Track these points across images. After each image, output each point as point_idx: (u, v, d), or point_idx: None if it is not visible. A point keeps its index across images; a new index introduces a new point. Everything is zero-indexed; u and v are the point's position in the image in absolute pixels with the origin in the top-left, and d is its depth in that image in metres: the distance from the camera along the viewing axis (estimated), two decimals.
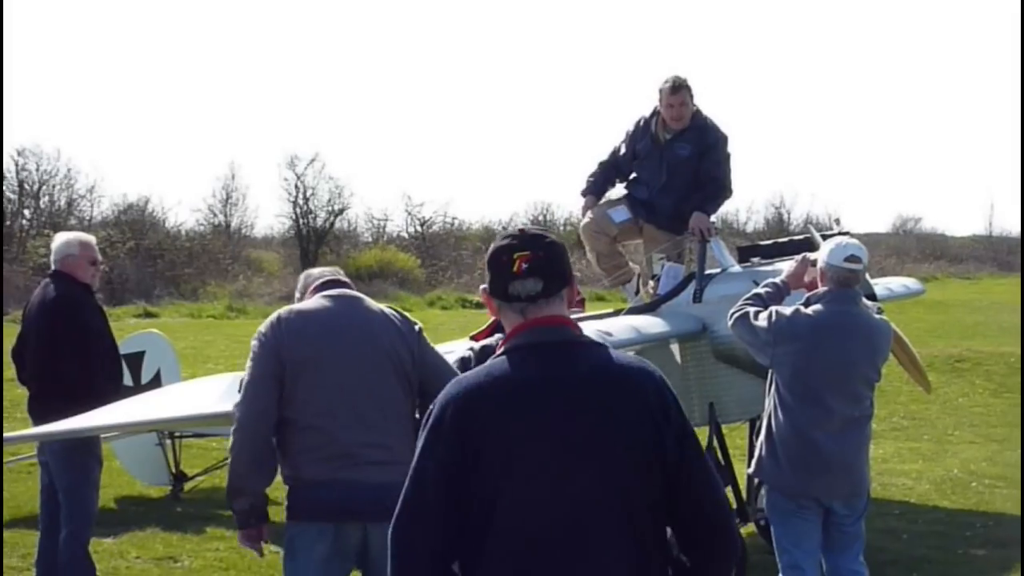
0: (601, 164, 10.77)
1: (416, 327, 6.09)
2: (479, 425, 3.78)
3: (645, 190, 10.47)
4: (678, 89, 10.27)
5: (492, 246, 4.00)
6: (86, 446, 8.76)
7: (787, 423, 7.36)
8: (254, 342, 5.97)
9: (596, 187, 10.73)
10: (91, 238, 9.15)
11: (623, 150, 10.62)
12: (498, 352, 3.94)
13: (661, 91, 10.34)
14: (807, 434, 7.32)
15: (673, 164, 10.33)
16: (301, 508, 5.90)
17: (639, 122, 10.54)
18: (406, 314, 6.19)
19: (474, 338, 6.34)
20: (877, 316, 7.64)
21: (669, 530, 3.94)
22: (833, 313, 7.39)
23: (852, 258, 7.41)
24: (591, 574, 3.77)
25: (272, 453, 5.92)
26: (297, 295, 6.34)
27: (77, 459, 8.83)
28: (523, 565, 3.76)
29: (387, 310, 6.12)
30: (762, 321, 7.51)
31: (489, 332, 6.11)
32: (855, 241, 7.62)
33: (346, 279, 6.28)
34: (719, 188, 10.36)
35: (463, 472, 3.76)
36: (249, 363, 5.96)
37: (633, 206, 10.54)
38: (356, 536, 5.81)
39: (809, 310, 7.47)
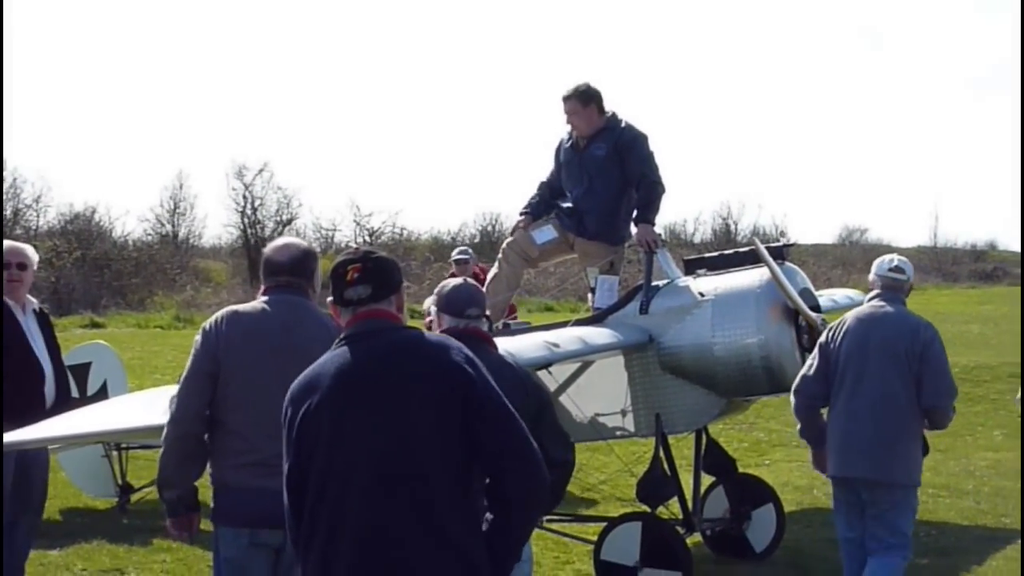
0: (539, 185, 10.85)
1: None
2: (297, 402, 4.61)
3: (569, 198, 10.55)
4: (567, 99, 10.41)
5: (334, 262, 4.76)
6: None
7: (830, 408, 8.34)
8: (197, 338, 6.04)
9: (533, 208, 10.80)
10: None
11: (553, 167, 10.73)
12: (334, 346, 4.67)
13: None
14: (838, 416, 8.25)
15: (592, 167, 10.41)
16: (221, 512, 5.96)
17: (564, 136, 10.64)
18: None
19: None
20: (922, 319, 8.39)
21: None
22: (875, 307, 8.29)
23: (896, 268, 8.44)
24: (391, 535, 4.39)
25: (202, 451, 5.97)
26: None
27: None
28: (336, 526, 4.46)
29: (328, 319, 6.01)
30: (813, 358, 8.44)
31: None
32: (903, 257, 8.56)
33: (297, 280, 6.17)
34: (652, 186, 10.30)
35: (295, 449, 4.60)
36: (189, 359, 6.03)
37: (561, 221, 10.60)
38: (274, 544, 5.82)
39: (855, 310, 8.39)
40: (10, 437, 7.88)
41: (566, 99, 10.40)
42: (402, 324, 4.72)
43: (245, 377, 5.89)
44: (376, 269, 4.70)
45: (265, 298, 6.12)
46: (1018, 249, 60.67)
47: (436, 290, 6.36)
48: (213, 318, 6.09)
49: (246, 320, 6.02)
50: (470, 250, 16.05)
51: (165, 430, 6.02)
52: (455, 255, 15.55)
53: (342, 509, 4.45)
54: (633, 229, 10.36)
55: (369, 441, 4.43)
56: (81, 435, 8.59)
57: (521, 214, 10.88)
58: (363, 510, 4.42)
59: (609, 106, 10.45)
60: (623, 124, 10.43)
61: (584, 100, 10.37)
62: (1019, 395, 9.79)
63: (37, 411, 8.31)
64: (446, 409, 4.45)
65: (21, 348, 8.84)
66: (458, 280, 6.39)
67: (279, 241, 6.43)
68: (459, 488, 4.48)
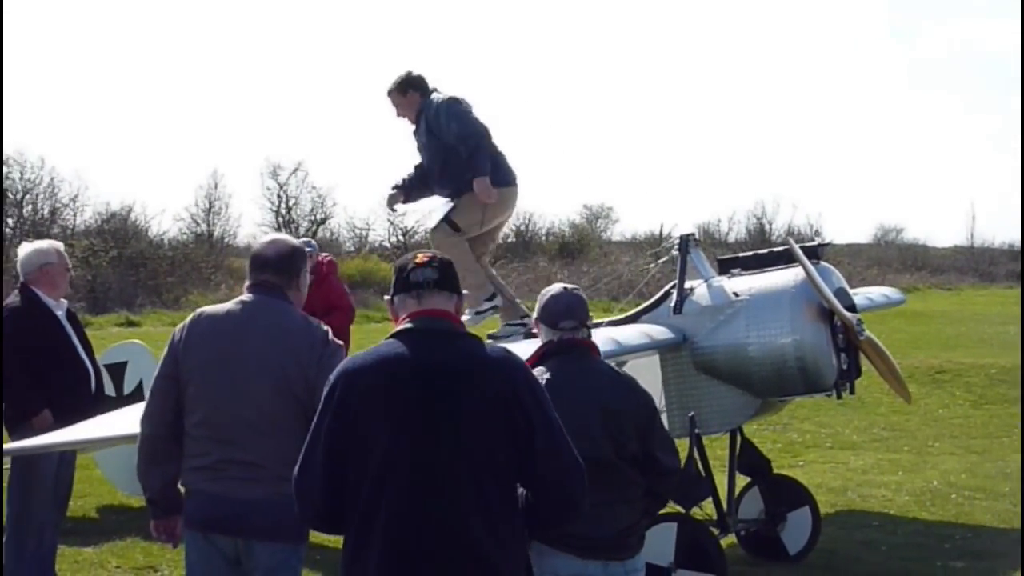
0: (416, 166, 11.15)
1: (323, 353, 5.76)
2: (357, 396, 4.56)
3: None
4: (389, 95, 10.81)
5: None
6: (30, 458, 8.78)
7: None
8: (169, 339, 5.99)
9: (404, 183, 11.11)
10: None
11: None
12: (390, 333, 4.73)
13: None
14: None
15: (421, 155, 10.79)
16: (184, 513, 5.92)
17: None
18: (323, 336, 5.86)
19: None
20: None
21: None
22: None
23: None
24: (434, 529, 4.49)
25: (170, 454, 5.87)
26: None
27: (19, 471, 8.86)
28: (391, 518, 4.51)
29: (297, 323, 5.91)
30: None
31: (531, 364, 5.98)
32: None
33: (279, 279, 5.99)
34: (469, 137, 10.45)
35: (344, 435, 4.56)
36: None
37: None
38: (229, 549, 5.78)
39: None
40: (47, 439, 7.95)
41: (388, 95, 10.79)
42: (464, 329, 4.82)
43: (198, 380, 5.80)
44: (442, 262, 4.86)
45: (241, 297, 6.01)
46: None
47: (541, 294, 6.18)
48: (184, 320, 6.03)
49: (205, 322, 5.92)
50: (313, 241, 16.10)
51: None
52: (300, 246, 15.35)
53: (404, 511, 4.50)
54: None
55: (420, 452, 4.51)
56: (115, 438, 8.63)
57: (393, 188, 11.16)
58: (413, 516, 4.50)
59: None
60: (430, 100, 10.66)
61: (403, 90, 10.71)
62: None
63: (83, 410, 8.39)
64: (497, 424, 4.57)
65: (68, 348, 8.95)
66: (558, 288, 6.16)
67: (269, 236, 6.32)
68: (504, 499, 4.61)
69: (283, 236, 6.37)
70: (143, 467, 5.94)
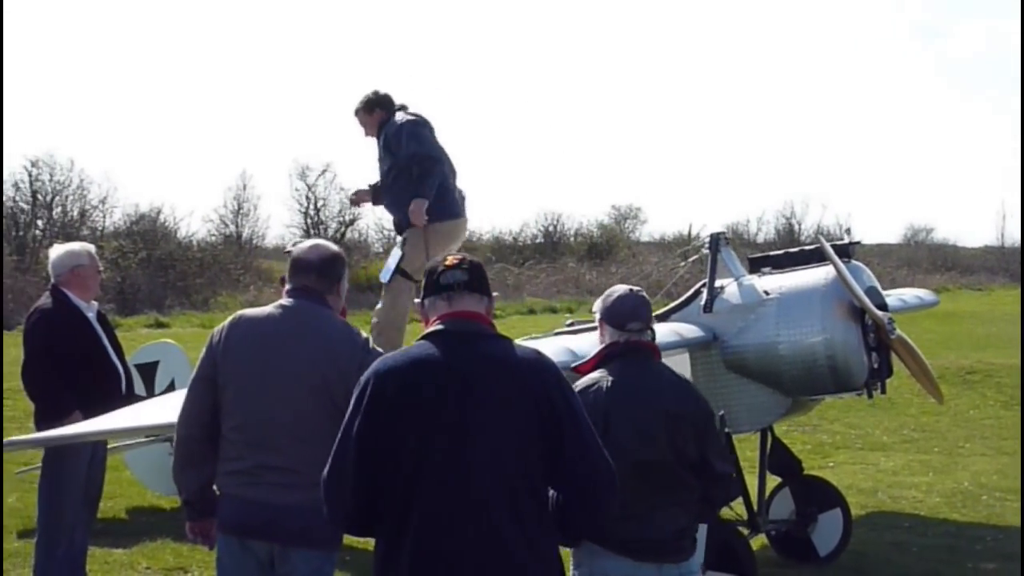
0: None
1: (364, 360, 5.55)
2: (388, 397, 4.57)
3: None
4: (355, 115, 11.13)
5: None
6: (61, 459, 8.81)
7: None
8: (207, 340, 5.96)
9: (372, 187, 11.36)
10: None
11: None
12: (421, 335, 4.75)
13: None
14: None
15: (383, 176, 11.04)
16: (218, 516, 5.89)
17: None
18: (364, 342, 5.87)
19: (577, 369, 6.17)
20: None
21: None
22: None
23: None
24: (466, 531, 4.50)
25: (205, 456, 5.85)
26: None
27: (49, 471, 8.89)
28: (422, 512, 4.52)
29: (338, 329, 5.89)
30: None
31: (593, 364, 5.96)
32: None
33: (321, 283, 5.98)
34: (423, 160, 10.61)
35: (375, 435, 4.56)
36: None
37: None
38: (263, 554, 5.75)
39: None
40: (62, 431, 8.01)
41: (355, 115, 11.08)
42: (495, 331, 4.83)
43: (238, 384, 5.77)
44: (473, 264, 4.88)
45: (281, 301, 5.97)
46: None
47: (603, 295, 6.12)
48: (224, 322, 5.99)
49: (246, 325, 5.88)
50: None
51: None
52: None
53: (436, 513, 4.52)
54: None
55: (451, 454, 4.53)
56: (128, 429, 8.64)
57: (367, 185, 11.44)
58: (445, 521, 4.51)
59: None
60: (394, 118, 10.84)
61: (369, 109, 10.97)
62: None
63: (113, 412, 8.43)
64: (529, 426, 4.58)
65: (99, 350, 8.98)
66: (624, 289, 6.10)
67: (309, 242, 6.28)
68: (535, 501, 4.63)
69: (324, 241, 6.34)
70: (179, 469, 5.94)
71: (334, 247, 6.24)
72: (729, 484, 6.20)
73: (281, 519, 5.63)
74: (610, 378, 5.75)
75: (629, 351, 5.88)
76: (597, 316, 6.10)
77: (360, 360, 5.59)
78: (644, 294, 6.11)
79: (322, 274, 6.00)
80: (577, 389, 5.72)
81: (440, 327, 4.72)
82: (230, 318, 5.98)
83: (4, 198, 45.41)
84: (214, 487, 5.93)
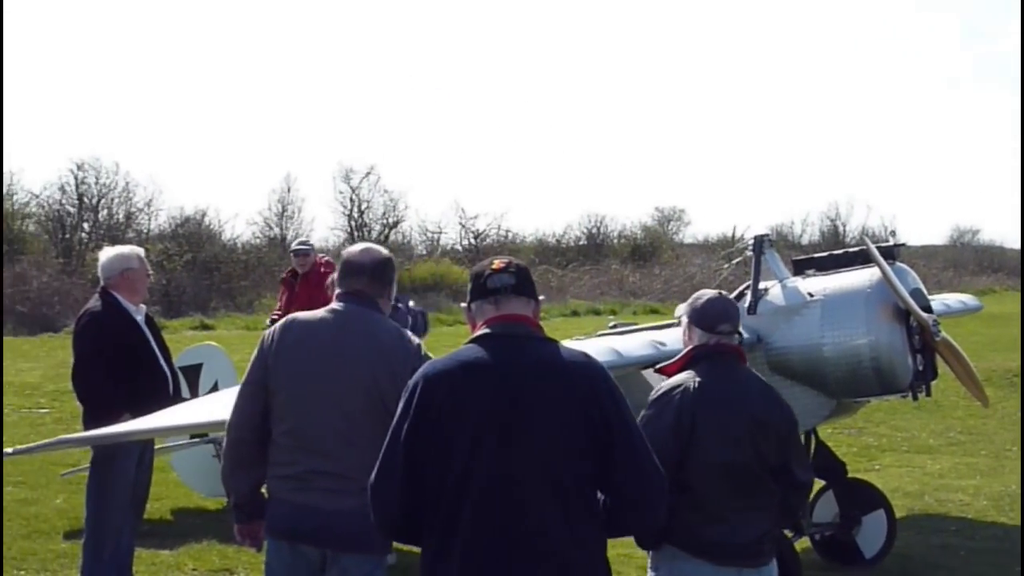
0: None
1: (416, 362, 5.60)
2: (437, 401, 4.56)
3: None
4: None
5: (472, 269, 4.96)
6: (109, 461, 8.86)
7: None
8: (258, 343, 5.94)
9: None
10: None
11: None
12: (469, 339, 4.74)
13: None
14: None
15: None
16: (267, 521, 5.88)
17: None
18: (416, 348, 5.85)
19: (662, 371, 6.16)
20: None
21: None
22: None
23: None
24: (517, 535, 4.50)
25: (256, 459, 5.84)
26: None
27: (98, 473, 8.95)
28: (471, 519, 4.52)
29: (391, 335, 5.87)
30: None
31: (680, 366, 5.94)
32: None
33: (373, 287, 5.97)
34: None
35: (423, 439, 4.55)
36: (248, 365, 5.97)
37: None
38: (314, 559, 5.73)
39: None
40: (102, 431, 8.09)
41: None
42: (543, 334, 4.81)
43: (290, 388, 5.74)
44: (519, 268, 4.87)
45: (333, 305, 5.94)
46: None
47: (690, 300, 6.11)
48: (275, 325, 5.96)
49: (300, 329, 5.85)
50: (311, 241, 16.04)
51: (224, 436, 6.00)
52: (294, 246, 15.37)
53: (486, 517, 4.51)
54: None
55: (500, 457, 4.51)
56: (170, 428, 8.69)
57: None
58: (497, 520, 4.51)
59: None
60: None
61: None
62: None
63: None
64: (578, 429, 4.55)
65: (148, 353, 9.04)
66: (713, 292, 6.13)
67: (360, 245, 6.24)
68: (584, 505, 4.62)
69: (375, 245, 6.32)
70: (229, 472, 5.92)
71: (385, 251, 6.21)
72: (808, 493, 6.18)
73: (332, 524, 5.62)
74: (697, 379, 5.73)
75: (716, 354, 5.87)
76: (684, 319, 6.08)
77: (413, 365, 5.51)
78: (733, 300, 6.11)
79: (374, 277, 5.98)
80: (662, 390, 5.76)
81: (488, 331, 4.71)
82: (282, 321, 5.96)
83: (50, 201, 45.87)
84: (263, 490, 5.93)
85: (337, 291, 6.00)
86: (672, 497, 5.50)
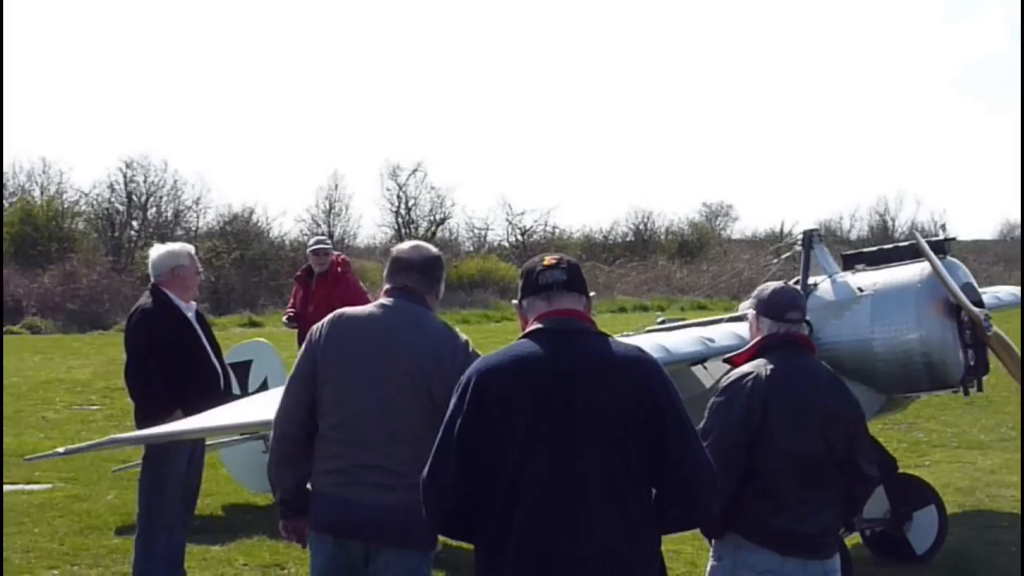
0: None
1: (465, 358, 5.61)
2: (491, 395, 4.57)
3: None
4: None
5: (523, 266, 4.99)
6: (161, 458, 8.92)
7: None
8: (307, 338, 5.96)
9: None
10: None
11: None
12: (522, 334, 4.76)
13: None
14: None
15: None
16: (311, 515, 5.87)
17: None
18: (464, 344, 5.84)
19: (730, 360, 6.15)
20: None
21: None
22: None
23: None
24: (571, 528, 4.49)
25: (301, 453, 5.84)
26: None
27: (150, 469, 9.01)
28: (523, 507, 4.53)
29: (440, 330, 5.87)
30: None
31: (750, 355, 5.93)
32: None
33: (422, 283, 5.99)
34: None
35: (477, 434, 4.56)
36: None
37: None
38: (358, 553, 5.72)
39: None
40: (155, 430, 8.15)
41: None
42: (595, 328, 4.81)
43: (338, 381, 5.75)
44: (571, 264, 4.90)
45: (382, 301, 5.95)
46: None
47: (755, 292, 6.10)
48: (323, 320, 5.97)
49: (348, 323, 5.87)
50: (328, 239, 16.00)
51: (271, 431, 6.01)
52: (312, 244, 15.29)
53: (540, 512, 4.52)
54: None
55: (555, 451, 4.52)
56: (222, 427, 8.74)
57: None
58: (555, 515, 4.52)
59: None
60: None
61: None
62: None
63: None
64: (631, 422, 4.56)
65: (199, 349, 9.09)
66: (779, 283, 6.13)
67: (410, 242, 6.25)
68: (638, 499, 4.62)
69: (424, 243, 6.34)
70: (276, 467, 5.94)
71: (435, 249, 6.23)
72: (873, 487, 6.15)
73: (377, 519, 5.62)
74: (769, 367, 5.71)
75: (787, 344, 5.85)
76: (751, 312, 6.08)
77: (463, 361, 5.53)
78: (799, 290, 6.10)
79: (424, 274, 6.00)
80: (732, 377, 5.75)
81: (540, 325, 4.72)
82: (330, 316, 5.97)
83: (100, 199, 46.19)
84: (308, 485, 5.94)
85: (386, 286, 6.01)
86: (740, 485, 5.52)
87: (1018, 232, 67.98)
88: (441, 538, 5.91)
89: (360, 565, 5.75)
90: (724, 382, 5.80)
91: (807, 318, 6.09)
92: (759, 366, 5.74)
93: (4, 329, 34.46)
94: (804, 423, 5.63)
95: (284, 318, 14.69)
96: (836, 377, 5.99)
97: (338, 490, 5.72)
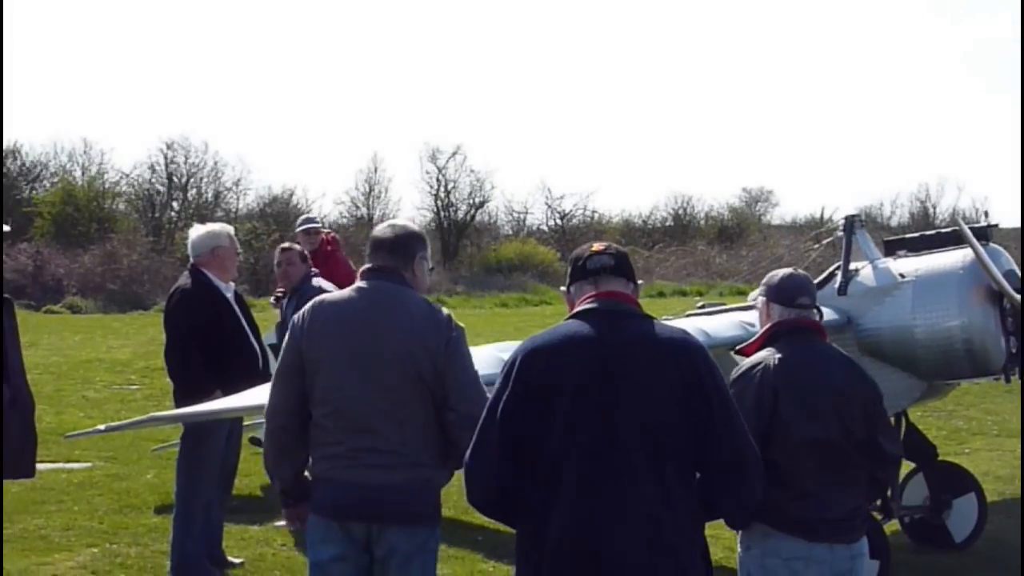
0: None
1: (449, 337, 5.62)
2: (536, 375, 4.60)
3: None
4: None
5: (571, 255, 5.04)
6: (199, 437, 8.95)
7: None
8: (289, 328, 5.91)
9: None
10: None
11: None
12: (569, 315, 4.80)
13: None
14: None
15: None
16: (313, 501, 5.83)
17: None
18: (447, 319, 5.73)
19: (742, 351, 6.14)
20: None
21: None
22: None
23: None
24: (614, 509, 4.52)
25: (297, 444, 5.81)
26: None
27: (188, 449, 9.04)
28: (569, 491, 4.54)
29: (421, 307, 5.75)
30: None
31: (759, 345, 5.92)
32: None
33: (394, 261, 5.83)
34: None
35: (522, 413, 4.58)
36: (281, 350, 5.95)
37: None
38: (362, 536, 5.68)
39: None
40: (187, 410, 8.19)
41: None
42: (643, 311, 4.84)
43: (327, 370, 5.70)
44: (619, 251, 4.97)
45: (358, 283, 5.87)
46: None
47: (765, 280, 6.07)
48: (304, 308, 5.90)
49: (328, 310, 5.80)
50: (317, 218, 15.93)
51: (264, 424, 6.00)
52: (301, 224, 15.18)
53: (583, 491, 4.53)
54: None
55: (600, 430, 4.54)
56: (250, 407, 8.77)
57: None
58: (597, 493, 4.54)
59: None
60: None
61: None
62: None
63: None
64: (677, 404, 4.58)
65: (238, 330, 9.12)
66: (787, 270, 6.11)
67: (388, 222, 6.18)
68: (682, 481, 4.62)
69: (401, 220, 6.26)
70: (273, 459, 5.92)
71: (412, 225, 6.13)
72: (898, 466, 6.12)
73: (383, 499, 5.56)
74: (778, 355, 5.69)
75: (796, 330, 5.83)
76: (760, 300, 6.05)
77: (446, 337, 5.57)
78: (809, 275, 6.09)
79: (394, 252, 5.87)
80: (742, 369, 5.73)
81: (588, 306, 4.75)
82: (309, 304, 5.90)
83: (140, 180, 46.42)
84: (306, 472, 5.92)
85: (363, 268, 5.96)
86: None
87: None
88: (480, 519, 5.91)
89: (361, 549, 5.70)
90: (734, 374, 5.77)
91: (818, 305, 6.04)
92: (768, 355, 5.71)
93: (45, 308, 34.83)
94: (817, 409, 5.60)
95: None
96: (848, 359, 5.95)
97: (339, 473, 5.68)
